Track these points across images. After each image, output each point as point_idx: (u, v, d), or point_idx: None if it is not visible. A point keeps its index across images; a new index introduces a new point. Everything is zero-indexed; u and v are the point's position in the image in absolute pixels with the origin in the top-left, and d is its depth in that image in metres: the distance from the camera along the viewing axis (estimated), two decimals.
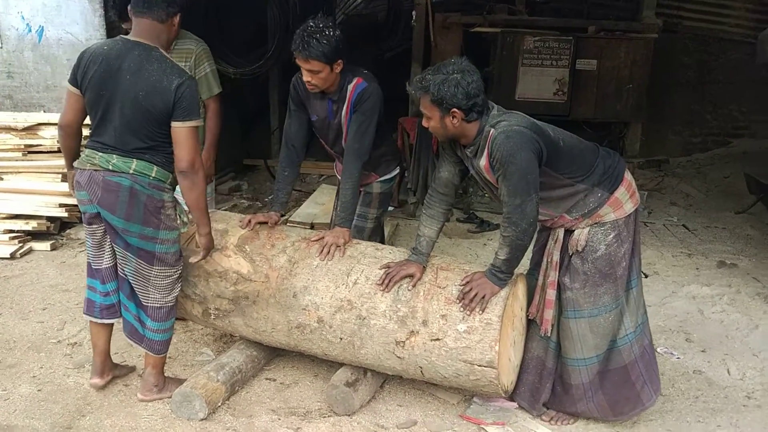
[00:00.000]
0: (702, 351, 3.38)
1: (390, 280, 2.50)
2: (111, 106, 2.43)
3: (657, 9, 7.18)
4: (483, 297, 2.39)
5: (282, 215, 3.12)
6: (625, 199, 2.40)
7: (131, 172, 2.45)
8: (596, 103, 6.73)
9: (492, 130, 2.31)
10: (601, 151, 2.47)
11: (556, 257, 2.48)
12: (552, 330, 2.55)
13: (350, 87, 2.85)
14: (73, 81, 2.50)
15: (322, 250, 2.72)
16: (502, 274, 2.40)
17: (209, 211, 2.72)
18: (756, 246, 5.25)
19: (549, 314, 2.51)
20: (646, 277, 4.26)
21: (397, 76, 7.67)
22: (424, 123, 2.41)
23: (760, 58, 7.01)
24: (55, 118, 4.84)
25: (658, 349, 3.30)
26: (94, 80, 2.43)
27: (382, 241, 3.30)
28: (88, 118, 2.56)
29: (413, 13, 7.30)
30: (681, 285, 4.28)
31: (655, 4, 7.18)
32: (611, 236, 2.39)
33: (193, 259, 2.67)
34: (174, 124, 2.42)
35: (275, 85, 8.05)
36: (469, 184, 6.87)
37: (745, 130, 8.08)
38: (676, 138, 8.15)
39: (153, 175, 2.48)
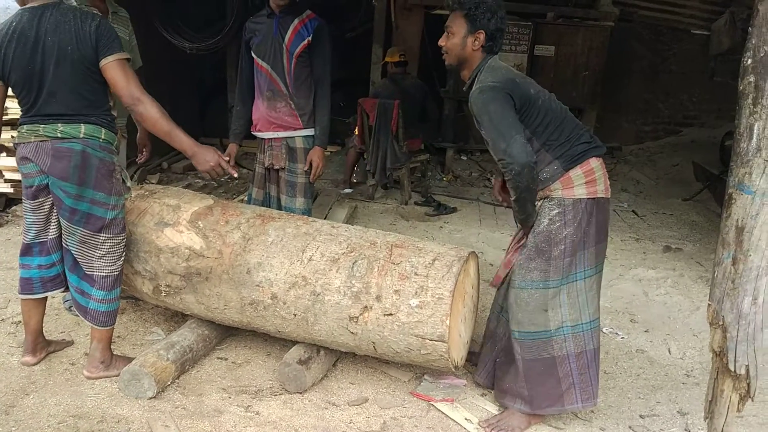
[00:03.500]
0: (645, 331, 3.51)
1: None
2: (44, 75, 2.39)
3: None
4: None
5: (239, 146, 3.63)
6: (578, 182, 2.39)
7: (82, 136, 2.43)
8: (553, 89, 6.70)
9: (475, 84, 2.41)
10: (582, 132, 2.47)
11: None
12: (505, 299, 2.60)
13: (304, 15, 3.37)
14: None
15: (314, 173, 3.41)
16: (519, 214, 2.45)
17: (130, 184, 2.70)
18: (701, 232, 5.45)
19: (503, 272, 2.59)
20: None
21: (358, 56, 7.67)
22: (441, 41, 2.50)
23: (713, 48, 7.24)
24: None
25: (604, 329, 3.41)
26: (17, 59, 2.39)
27: (313, 200, 3.73)
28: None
29: None
30: (628, 268, 4.42)
31: None
32: (555, 212, 2.40)
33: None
34: (101, 64, 2.39)
35: (233, 61, 7.91)
36: (428, 168, 6.92)
37: (695, 120, 8.35)
38: (629, 126, 8.37)
39: (102, 137, 2.48)
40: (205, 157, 2.54)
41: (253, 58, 3.46)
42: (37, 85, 2.41)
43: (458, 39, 2.45)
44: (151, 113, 2.44)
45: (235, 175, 2.69)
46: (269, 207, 3.54)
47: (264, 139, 3.53)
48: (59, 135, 2.42)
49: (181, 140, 2.51)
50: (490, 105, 2.32)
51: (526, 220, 2.45)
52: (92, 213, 2.50)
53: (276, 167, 3.51)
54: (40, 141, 2.43)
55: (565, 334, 2.45)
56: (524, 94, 2.38)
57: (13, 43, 2.38)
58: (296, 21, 3.34)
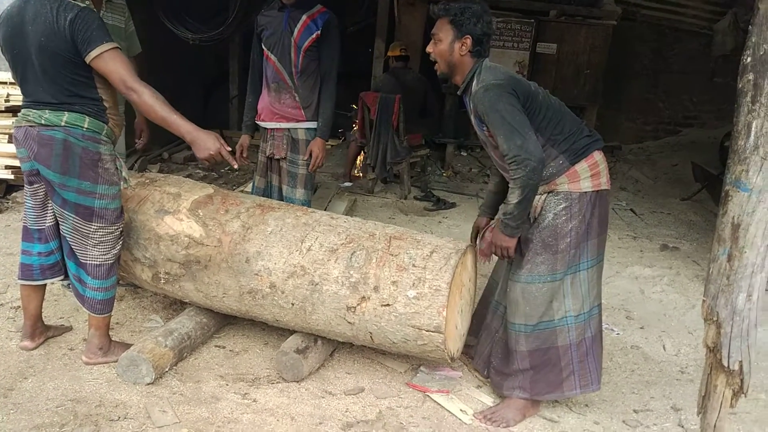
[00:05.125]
0: (641, 328, 3.53)
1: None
2: (27, 62, 2.40)
3: None
4: (507, 248, 2.44)
5: (251, 137, 3.66)
6: (584, 176, 2.42)
7: (63, 124, 2.41)
8: (554, 87, 6.86)
9: (475, 84, 2.41)
10: (582, 126, 2.50)
11: None
12: (501, 292, 2.66)
13: (314, 10, 3.37)
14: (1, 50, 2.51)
15: (314, 163, 3.44)
16: (513, 221, 2.37)
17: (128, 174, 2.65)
18: (698, 231, 5.47)
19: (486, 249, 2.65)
20: None
21: (360, 50, 7.67)
22: (429, 48, 2.51)
23: (716, 49, 7.24)
24: (2, 76, 4.66)
25: None
26: (6, 42, 2.43)
27: (313, 192, 3.75)
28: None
29: None
30: (625, 266, 4.44)
31: None
32: (561, 207, 2.42)
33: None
34: (87, 60, 2.35)
35: (235, 52, 7.91)
36: (428, 163, 6.93)
37: (694, 120, 8.36)
38: (630, 125, 8.38)
39: (86, 126, 2.44)
40: (206, 143, 2.41)
41: (263, 50, 3.48)
42: (21, 70, 2.42)
43: (445, 45, 2.45)
44: (144, 100, 2.37)
45: (236, 166, 2.58)
46: (271, 196, 3.56)
47: (267, 128, 3.54)
48: (43, 122, 2.41)
49: (179, 125, 2.40)
50: (498, 103, 2.31)
51: (518, 228, 2.40)
52: (79, 202, 2.48)
53: (277, 157, 3.53)
54: (29, 126, 2.43)
55: (569, 324, 2.50)
56: (526, 91, 2.41)
57: (3, 27, 2.41)
58: (305, 16, 3.34)
